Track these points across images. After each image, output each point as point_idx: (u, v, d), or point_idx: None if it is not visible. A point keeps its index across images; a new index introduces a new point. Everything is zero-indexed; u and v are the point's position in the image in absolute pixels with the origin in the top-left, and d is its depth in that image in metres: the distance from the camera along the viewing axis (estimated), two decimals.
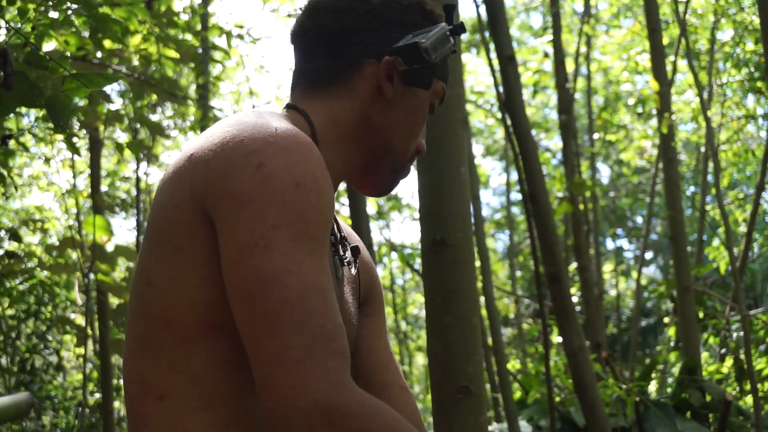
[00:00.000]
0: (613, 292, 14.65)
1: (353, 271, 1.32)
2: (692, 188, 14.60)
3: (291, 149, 1.07)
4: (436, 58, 1.23)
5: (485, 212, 17.76)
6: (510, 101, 3.88)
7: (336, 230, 1.30)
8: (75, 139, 3.90)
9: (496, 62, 4.13)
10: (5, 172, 3.55)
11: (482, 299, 5.81)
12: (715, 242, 8.33)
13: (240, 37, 6.52)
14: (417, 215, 4.15)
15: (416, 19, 1.26)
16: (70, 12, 2.89)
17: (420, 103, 1.27)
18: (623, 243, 18.45)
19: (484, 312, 6.19)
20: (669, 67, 6.64)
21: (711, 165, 8.46)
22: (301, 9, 1.31)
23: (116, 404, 7.13)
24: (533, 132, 7.99)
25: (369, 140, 1.26)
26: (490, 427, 4.51)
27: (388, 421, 1.01)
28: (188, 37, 4.63)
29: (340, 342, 1.02)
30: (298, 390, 0.97)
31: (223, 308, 1.08)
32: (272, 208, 1.04)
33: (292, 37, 1.29)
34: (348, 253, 1.31)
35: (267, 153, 1.06)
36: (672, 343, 8.41)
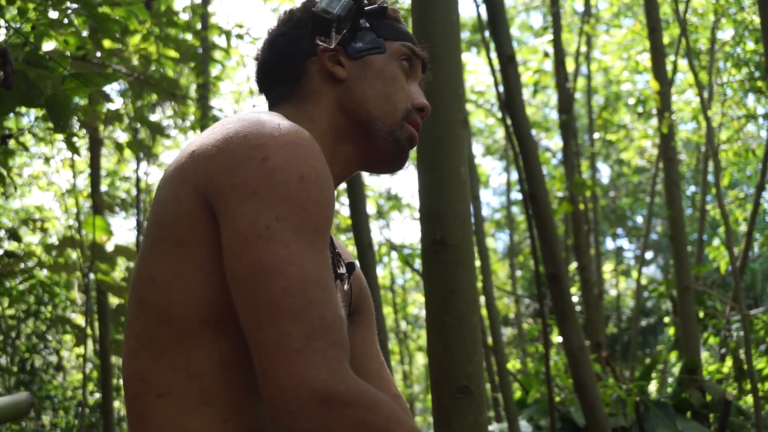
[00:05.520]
0: (613, 292, 14.66)
1: (345, 287, 1.33)
2: (692, 188, 14.61)
3: (295, 144, 1.09)
4: (338, 11, 1.26)
5: (485, 212, 17.76)
6: (510, 101, 3.88)
7: (331, 247, 1.31)
8: (75, 139, 3.89)
9: (496, 62, 4.13)
10: (5, 172, 3.55)
11: (482, 299, 5.80)
12: (715, 242, 8.34)
13: (240, 36, 6.51)
14: (417, 215, 4.14)
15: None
16: (69, 12, 2.89)
17: (379, 67, 1.30)
18: (623, 243, 18.46)
19: (484, 312, 6.19)
20: (669, 67, 6.65)
21: (711, 164, 8.46)
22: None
23: (116, 404, 7.13)
24: (533, 132, 7.98)
25: (350, 124, 1.29)
26: (490, 427, 4.50)
27: (386, 412, 1.02)
28: (188, 36, 4.63)
29: (339, 332, 1.03)
30: (297, 378, 0.98)
31: (225, 304, 1.09)
32: (276, 200, 1.05)
33: (259, 90, 1.37)
34: (342, 269, 1.33)
35: (271, 147, 1.08)
36: (672, 343, 8.41)
